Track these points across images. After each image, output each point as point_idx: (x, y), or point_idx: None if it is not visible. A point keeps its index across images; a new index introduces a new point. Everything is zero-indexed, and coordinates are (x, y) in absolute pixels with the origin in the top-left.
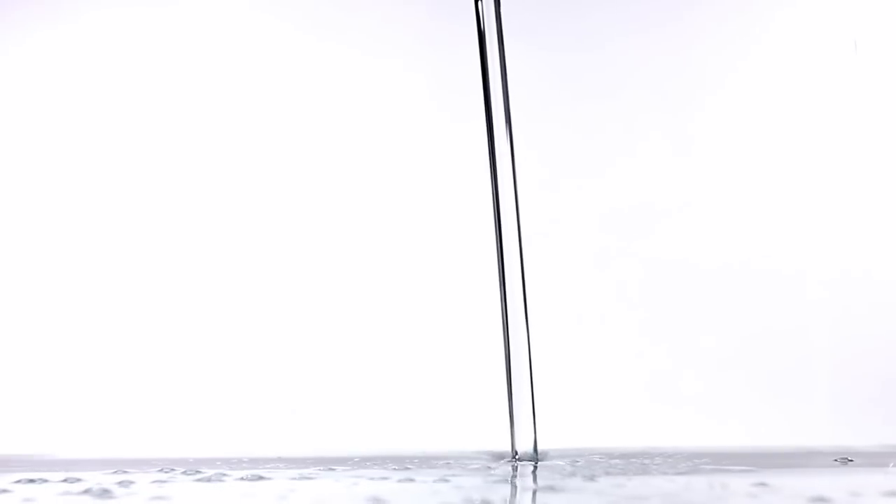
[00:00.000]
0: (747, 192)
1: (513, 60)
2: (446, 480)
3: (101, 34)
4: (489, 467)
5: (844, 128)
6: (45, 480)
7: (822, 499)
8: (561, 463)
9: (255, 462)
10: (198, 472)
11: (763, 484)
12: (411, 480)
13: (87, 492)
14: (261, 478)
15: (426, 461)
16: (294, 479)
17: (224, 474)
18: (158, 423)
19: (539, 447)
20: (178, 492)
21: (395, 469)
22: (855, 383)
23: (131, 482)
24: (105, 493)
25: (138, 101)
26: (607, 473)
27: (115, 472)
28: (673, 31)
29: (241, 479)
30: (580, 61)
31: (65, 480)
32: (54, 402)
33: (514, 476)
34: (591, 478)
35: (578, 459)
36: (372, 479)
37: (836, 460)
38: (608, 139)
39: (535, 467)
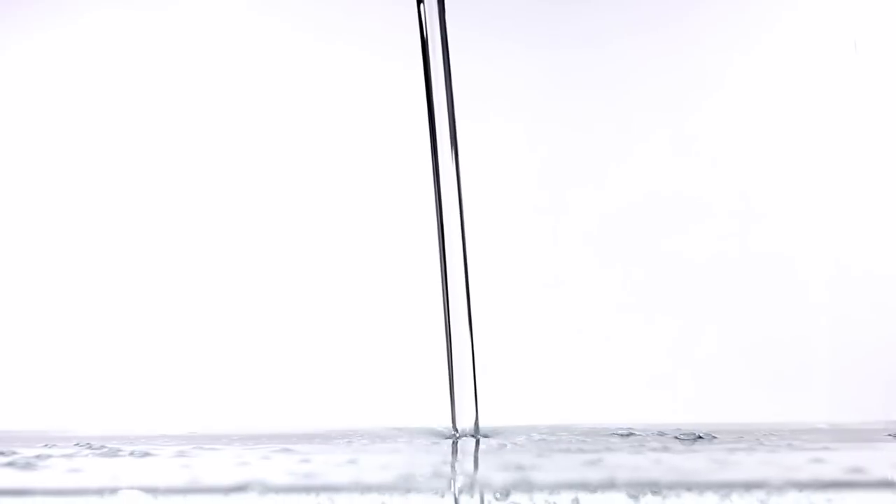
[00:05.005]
0: (746, 192)
1: (509, 60)
2: (385, 456)
3: (100, 35)
4: (429, 444)
5: (844, 128)
6: None
7: (858, 470)
8: (504, 441)
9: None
10: (103, 446)
11: (818, 460)
12: (353, 457)
13: (11, 465)
14: (147, 454)
15: (366, 437)
16: (231, 453)
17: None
18: (83, 398)
19: (481, 424)
20: (87, 465)
21: (329, 445)
22: None
23: (49, 455)
24: (28, 465)
25: (128, 102)
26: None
27: (46, 445)
28: (673, 31)
29: (131, 454)
30: (579, 60)
31: (0, 454)
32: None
33: (454, 452)
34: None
35: (530, 436)
36: (307, 454)
37: (889, 435)
38: (606, 139)
39: (477, 444)
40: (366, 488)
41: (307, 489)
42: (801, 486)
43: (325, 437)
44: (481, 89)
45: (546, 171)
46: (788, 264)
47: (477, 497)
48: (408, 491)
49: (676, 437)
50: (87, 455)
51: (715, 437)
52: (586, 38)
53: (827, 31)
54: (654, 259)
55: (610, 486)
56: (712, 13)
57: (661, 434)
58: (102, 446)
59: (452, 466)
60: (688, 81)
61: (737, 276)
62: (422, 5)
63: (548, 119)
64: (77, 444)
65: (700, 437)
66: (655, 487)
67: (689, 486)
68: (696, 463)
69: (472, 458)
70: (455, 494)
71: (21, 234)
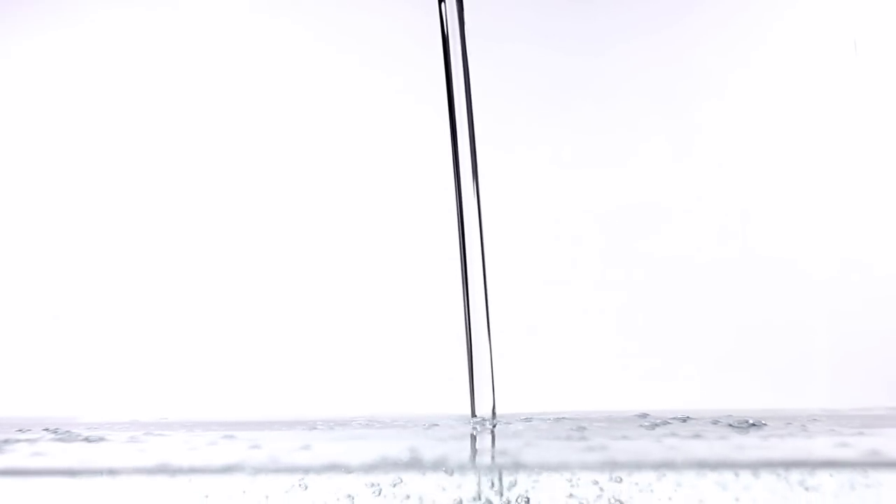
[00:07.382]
0: (747, 190)
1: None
2: (405, 440)
3: (99, 34)
4: (448, 428)
5: (844, 128)
6: None
7: (875, 452)
8: (522, 426)
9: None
10: (68, 432)
11: (845, 444)
12: (370, 439)
13: None
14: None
15: (383, 422)
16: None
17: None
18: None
19: (498, 410)
20: (51, 450)
21: (344, 430)
22: None
23: (17, 440)
24: None
25: (134, 105)
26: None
27: (19, 430)
28: (672, 32)
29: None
30: (582, 64)
31: None
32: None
33: (474, 437)
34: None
35: (544, 421)
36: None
37: None
38: (607, 140)
39: (495, 428)
40: (384, 470)
41: (329, 468)
42: (839, 466)
43: (343, 423)
44: (496, 89)
45: (557, 169)
46: (789, 264)
47: (495, 480)
48: (425, 474)
49: (730, 425)
50: (49, 440)
51: (765, 424)
52: (586, 40)
53: (827, 31)
54: (654, 257)
55: (635, 468)
56: (711, 14)
57: (716, 422)
58: (67, 431)
59: (471, 451)
60: (686, 83)
61: (737, 275)
62: (443, 4)
63: (559, 118)
64: (45, 430)
65: (753, 425)
66: (668, 469)
67: (711, 468)
68: (711, 449)
69: (489, 443)
70: (477, 478)
71: (13, 234)
